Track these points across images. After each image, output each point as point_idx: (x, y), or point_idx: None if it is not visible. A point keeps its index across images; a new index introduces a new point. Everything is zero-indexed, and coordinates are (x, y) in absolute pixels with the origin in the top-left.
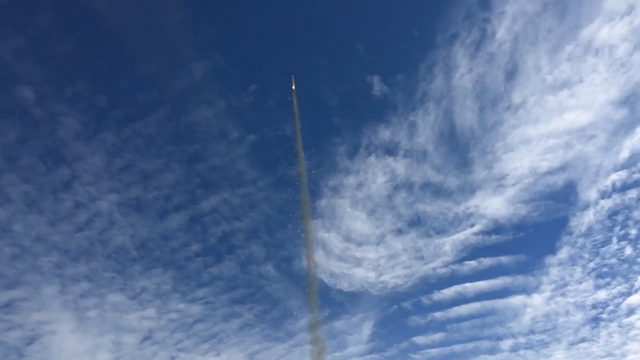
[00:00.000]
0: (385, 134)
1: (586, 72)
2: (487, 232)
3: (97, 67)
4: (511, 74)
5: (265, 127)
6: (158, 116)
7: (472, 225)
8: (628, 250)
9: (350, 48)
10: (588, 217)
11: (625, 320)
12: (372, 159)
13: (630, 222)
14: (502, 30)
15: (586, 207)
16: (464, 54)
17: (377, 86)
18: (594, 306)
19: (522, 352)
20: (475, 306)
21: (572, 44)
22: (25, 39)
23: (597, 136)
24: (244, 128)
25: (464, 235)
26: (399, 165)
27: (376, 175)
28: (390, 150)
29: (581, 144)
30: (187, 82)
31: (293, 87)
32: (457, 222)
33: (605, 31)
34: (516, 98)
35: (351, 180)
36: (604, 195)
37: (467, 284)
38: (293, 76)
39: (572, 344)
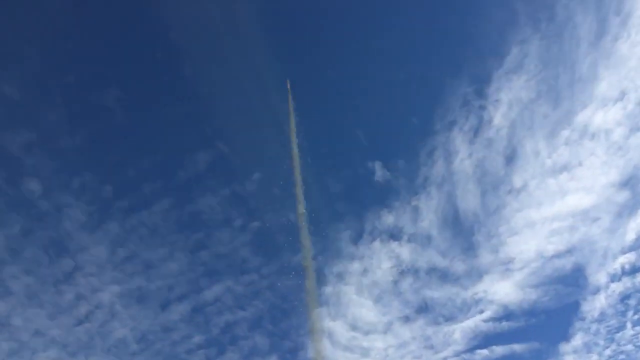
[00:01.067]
0: (388, 218)
1: (584, 155)
2: (497, 319)
3: (104, 158)
4: (510, 158)
5: (269, 214)
6: (162, 205)
7: (481, 312)
8: None
9: (352, 135)
10: (600, 302)
11: None
12: (377, 244)
13: None
14: (499, 117)
15: (597, 291)
16: (463, 140)
17: (379, 172)
18: None
19: None
20: None
21: (568, 129)
22: (36, 133)
23: (601, 218)
24: (247, 215)
25: (473, 322)
26: (404, 250)
27: (381, 260)
28: (394, 235)
29: (586, 226)
30: (191, 171)
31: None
32: (466, 308)
33: (600, 116)
34: (517, 181)
35: (356, 266)
36: (614, 278)
37: None
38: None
39: None
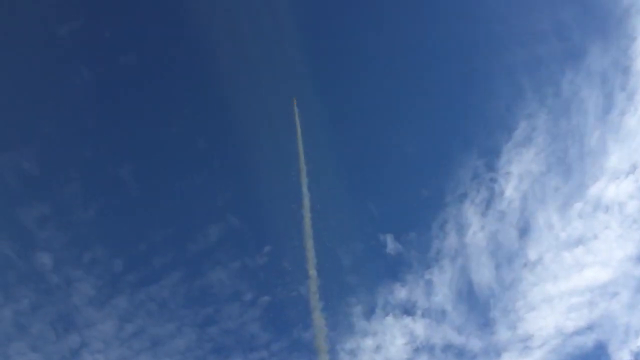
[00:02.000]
0: (401, 292)
1: (599, 228)
2: None
3: (116, 231)
4: (524, 231)
5: (279, 287)
6: (172, 279)
7: None
8: None
9: (363, 208)
10: None
11: None
12: (390, 319)
13: None
14: (510, 189)
15: None
16: (475, 212)
17: (391, 244)
18: None
19: None
20: None
21: (581, 202)
22: (50, 207)
23: (620, 293)
24: (257, 289)
25: None
26: (418, 326)
27: (394, 337)
28: (407, 309)
29: (605, 301)
30: (202, 245)
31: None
32: None
33: (613, 189)
34: (532, 255)
35: (369, 342)
36: (638, 357)
37: None
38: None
39: None
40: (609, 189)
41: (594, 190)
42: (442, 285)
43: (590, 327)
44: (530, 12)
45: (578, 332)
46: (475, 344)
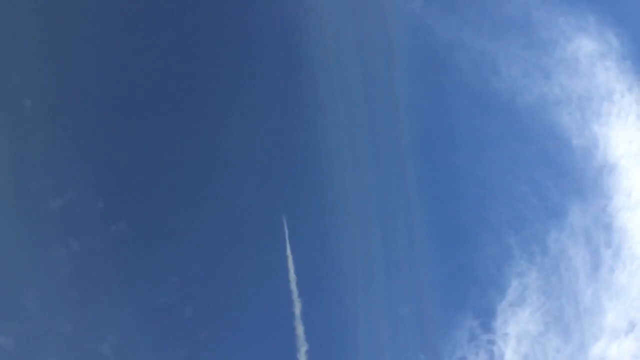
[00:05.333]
0: None
1: None
2: None
3: None
4: None
5: None
6: None
7: None
8: None
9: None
10: None
11: None
12: None
13: None
14: (510, 352)
15: None
16: None
17: None
18: None
19: None
20: None
21: None
22: None
23: None
24: None
25: None
26: None
27: None
28: None
29: None
30: None
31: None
32: None
33: (614, 349)
34: None
35: None
36: None
37: None
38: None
39: None
40: (611, 349)
41: (595, 350)
42: None
43: None
44: (508, 173)
45: None
46: None
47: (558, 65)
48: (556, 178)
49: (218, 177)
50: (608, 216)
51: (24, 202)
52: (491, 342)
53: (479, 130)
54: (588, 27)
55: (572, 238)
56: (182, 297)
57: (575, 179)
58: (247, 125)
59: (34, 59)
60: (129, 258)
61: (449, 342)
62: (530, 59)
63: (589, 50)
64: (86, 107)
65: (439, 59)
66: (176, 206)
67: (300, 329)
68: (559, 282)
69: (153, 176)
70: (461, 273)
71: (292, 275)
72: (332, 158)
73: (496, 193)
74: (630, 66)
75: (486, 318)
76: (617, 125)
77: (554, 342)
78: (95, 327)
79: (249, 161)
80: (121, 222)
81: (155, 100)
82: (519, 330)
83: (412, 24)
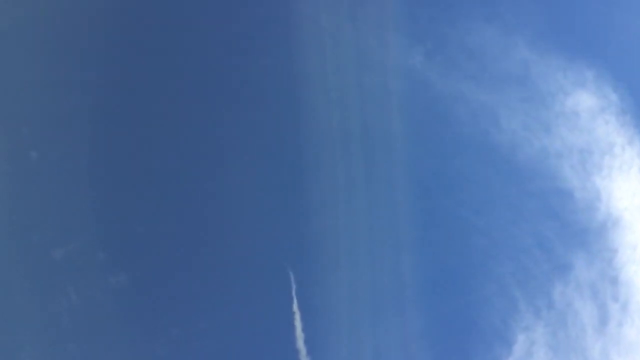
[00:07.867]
0: None
1: None
2: None
3: None
4: None
5: None
6: None
7: None
8: None
9: None
10: None
11: None
12: None
13: None
14: None
15: None
16: None
17: None
18: None
19: None
20: None
21: None
22: None
23: None
24: None
25: None
26: None
27: None
28: None
29: None
30: None
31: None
32: None
33: None
34: None
35: None
36: None
37: None
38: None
39: None
40: None
41: None
42: None
43: None
44: (511, 225)
45: None
46: None
47: (558, 119)
48: (560, 231)
49: (220, 230)
50: (614, 270)
51: (25, 253)
52: None
53: (481, 182)
54: (586, 82)
55: (578, 292)
56: (182, 350)
57: (579, 231)
58: (252, 181)
59: (41, 111)
60: (129, 310)
61: None
62: (530, 112)
63: (588, 104)
64: (91, 161)
65: (439, 111)
66: (178, 258)
67: None
68: (567, 337)
69: (155, 228)
70: (466, 327)
71: (300, 333)
72: (328, 218)
73: (499, 245)
74: (630, 120)
75: None
76: (620, 178)
77: None
78: None
79: (252, 216)
80: (121, 274)
81: (159, 156)
82: None
83: (412, 78)
